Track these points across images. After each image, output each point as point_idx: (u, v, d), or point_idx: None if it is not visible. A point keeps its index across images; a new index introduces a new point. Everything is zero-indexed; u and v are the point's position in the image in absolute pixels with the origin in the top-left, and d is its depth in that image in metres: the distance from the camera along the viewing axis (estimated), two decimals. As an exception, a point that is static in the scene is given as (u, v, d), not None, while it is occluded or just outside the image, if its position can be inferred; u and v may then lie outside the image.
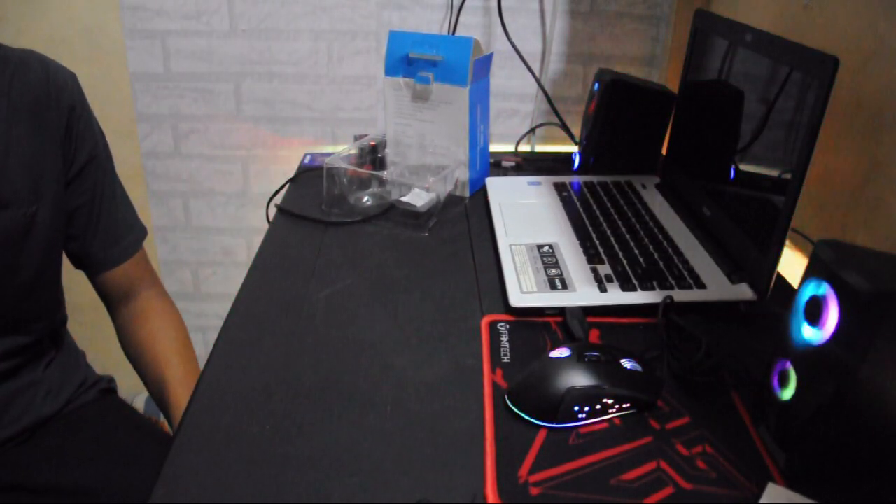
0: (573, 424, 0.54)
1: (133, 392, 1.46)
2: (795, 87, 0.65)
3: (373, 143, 0.98)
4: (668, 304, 0.67)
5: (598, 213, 0.88)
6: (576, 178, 0.99)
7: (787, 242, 0.65)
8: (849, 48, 0.74)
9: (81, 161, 0.78)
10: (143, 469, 0.76)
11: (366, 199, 0.94)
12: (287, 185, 0.99)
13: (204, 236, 1.39)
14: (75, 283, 0.88)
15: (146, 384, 0.84)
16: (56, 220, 0.76)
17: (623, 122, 0.97)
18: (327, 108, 1.27)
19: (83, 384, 0.84)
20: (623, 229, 0.83)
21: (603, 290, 0.70)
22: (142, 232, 0.89)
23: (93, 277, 0.85)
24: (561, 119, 1.19)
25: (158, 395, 0.81)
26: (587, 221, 0.85)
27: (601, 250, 0.78)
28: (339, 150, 0.94)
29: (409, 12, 1.20)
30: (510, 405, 0.55)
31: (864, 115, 0.73)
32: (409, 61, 0.92)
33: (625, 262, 0.75)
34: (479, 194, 0.98)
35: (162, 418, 1.00)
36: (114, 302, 0.87)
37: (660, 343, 0.63)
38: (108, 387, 0.89)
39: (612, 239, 0.80)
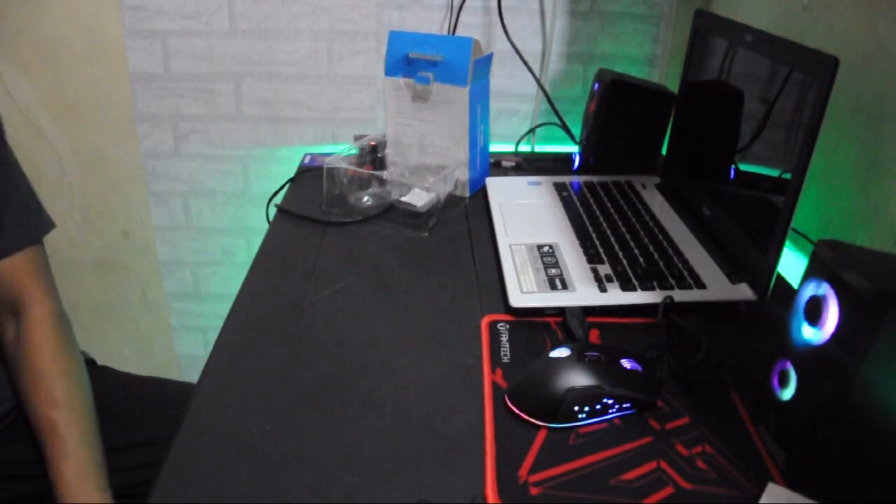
0: (573, 424, 0.54)
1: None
2: (795, 87, 0.65)
3: (373, 143, 0.98)
4: (668, 304, 0.67)
5: (598, 213, 0.88)
6: (576, 178, 0.99)
7: (787, 242, 0.65)
8: (849, 48, 0.74)
9: None
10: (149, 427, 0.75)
11: (366, 199, 0.94)
12: (287, 185, 0.99)
13: (204, 236, 1.39)
14: (70, 282, 0.87)
15: (34, 424, 0.72)
16: None
17: (623, 122, 0.97)
18: (327, 108, 1.27)
19: None
20: (623, 229, 0.83)
21: (603, 290, 0.70)
22: (38, 225, 0.75)
23: None
24: (561, 119, 1.18)
25: (43, 441, 0.71)
26: (587, 221, 0.85)
27: (601, 250, 0.78)
28: (339, 150, 0.94)
29: (409, 12, 1.20)
30: (510, 405, 0.55)
31: (864, 115, 0.73)
32: (409, 61, 0.92)
33: (625, 262, 0.75)
34: (479, 194, 0.98)
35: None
36: (1, 313, 0.75)
37: (660, 343, 0.63)
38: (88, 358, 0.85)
39: (612, 239, 0.80)
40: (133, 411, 0.83)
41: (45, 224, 0.77)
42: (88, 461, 0.70)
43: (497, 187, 0.96)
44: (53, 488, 0.68)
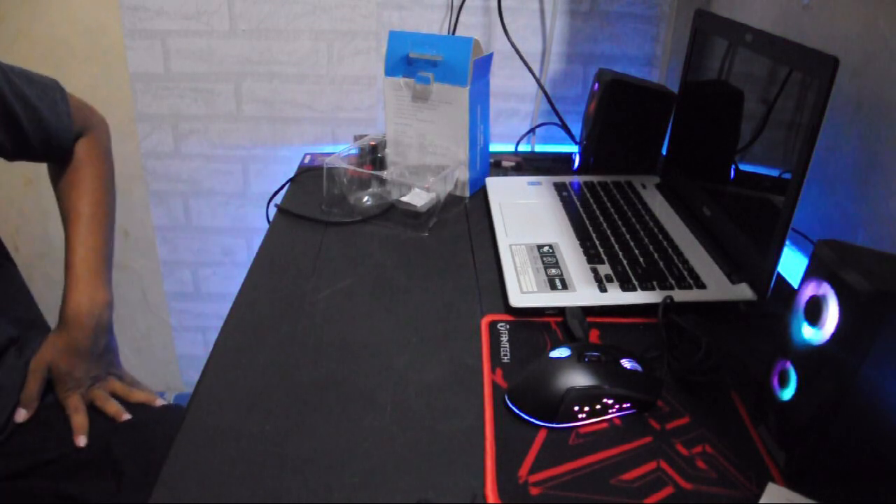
0: (573, 424, 0.54)
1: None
2: (795, 87, 0.65)
3: (373, 143, 0.98)
4: (668, 304, 0.67)
5: (598, 213, 0.88)
6: (576, 178, 0.99)
7: (787, 242, 0.65)
8: (849, 48, 0.74)
9: None
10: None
11: (366, 199, 0.94)
12: (287, 185, 0.99)
13: (204, 236, 1.39)
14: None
15: (61, 213, 0.84)
16: None
17: (623, 122, 0.97)
18: (327, 108, 1.27)
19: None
20: (623, 229, 0.83)
21: (603, 290, 0.70)
22: (60, 89, 0.85)
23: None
24: (561, 119, 1.18)
25: (65, 243, 0.81)
26: (587, 221, 0.85)
27: (601, 250, 0.78)
28: (339, 150, 0.94)
29: (409, 12, 1.20)
30: (510, 405, 0.55)
31: (864, 115, 0.73)
32: (409, 61, 0.92)
33: (625, 262, 0.75)
34: (479, 194, 0.98)
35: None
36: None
37: (660, 343, 0.63)
38: None
39: (612, 239, 0.80)
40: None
41: (62, 92, 0.85)
42: (102, 255, 0.81)
43: (497, 187, 0.96)
44: (67, 271, 0.78)
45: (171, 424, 0.79)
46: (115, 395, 0.79)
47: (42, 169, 1.01)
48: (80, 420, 0.74)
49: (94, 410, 0.78)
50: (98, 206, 0.83)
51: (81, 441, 0.73)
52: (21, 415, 0.75)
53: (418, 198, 0.87)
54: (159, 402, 0.81)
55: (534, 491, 0.48)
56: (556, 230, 0.83)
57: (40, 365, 0.76)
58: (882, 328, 0.42)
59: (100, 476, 0.73)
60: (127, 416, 0.76)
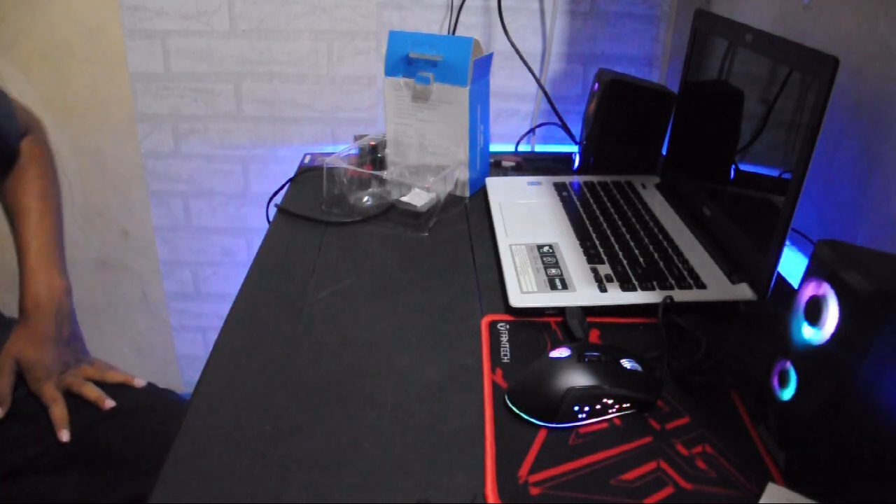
0: (573, 424, 0.54)
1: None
2: (795, 87, 0.65)
3: (373, 143, 0.98)
4: (668, 304, 0.67)
5: (598, 213, 0.88)
6: (576, 178, 0.99)
7: (787, 242, 0.65)
8: (849, 48, 0.74)
9: None
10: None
11: (366, 199, 0.94)
12: (287, 185, 0.99)
13: (204, 236, 1.39)
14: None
15: (11, 231, 0.84)
16: None
17: (623, 122, 0.97)
18: (327, 108, 1.27)
19: None
20: (623, 229, 0.83)
21: (603, 290, 0.70)
22: (2, 91, 0.86)
23: None
24: (561, 119, 1.18)
25: (15, 245, 0.82)
26: (587, 221, 0.85)
27: (601, 250, 0.78)
28: (339, 150, 0.94)
29: (409, 12, 1.20)
30: (510, 405, 0.55)
31: (864, 114, 0.73)
32: (409, 61, 0.92)
33: (625, 262, 0.75)
34: (479, 194, 0.98)
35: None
36: None
37: (660, 343, 0.63)
38: None
39: (612, 239, 0.80)
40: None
41: (2, 91, 0.86)
42: (55, 245, 0.82)
43: (497, 187, 0.96)
44: (21, 266, 0.79)
45: (160, 410, 0.80)
46: (90, 381, 0.78)
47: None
48: (59, 412, 0.73)
49: (74, 400, 0.77)
50: (45, 199, 0.84)
51: (64, 436, 0.72)
52: None
53: (418, 198, 0.87)
54: (139, 381, 0.81)
55: (534, 491, 0.48)
56: (556, 230, 0.83)
57: (6, 359, 0.75)
58: (882, 328, 0.42)
59: (91, 469, 0.73)
60: (111, 403, 0.75)
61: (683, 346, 0.63)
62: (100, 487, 0.73)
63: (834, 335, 0.45)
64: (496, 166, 1.08)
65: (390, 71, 0.94)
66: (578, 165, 1.04)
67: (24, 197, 0.83)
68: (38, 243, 0.80)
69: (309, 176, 1.02)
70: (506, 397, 0.56)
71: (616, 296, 0.69)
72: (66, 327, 0.79)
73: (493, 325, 0.67)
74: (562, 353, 0.56)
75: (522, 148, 1.21)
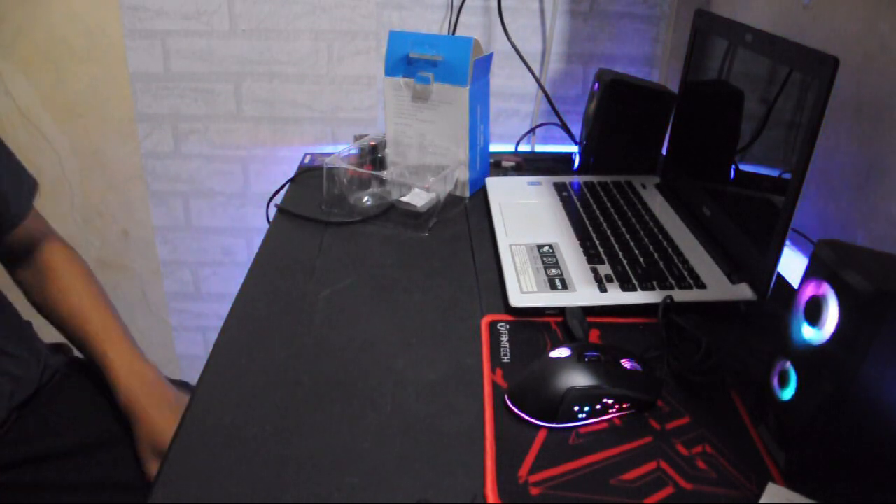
0: (573, 424, 0.54)
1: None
2: (795, 87, 0.65)
3: (373, 143, 0.98)
4: (668, 304, 0.67)
5: (598, 213, 0.88)
6: (576, 178, 0.99)
7: (787, 242, 0.65)
8: (849, 48, 0.74)
9: None
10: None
11: (366, 199, 0.94)
12: (287, 185, 0.99)
13: (204, 236, 1.39)
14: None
15: (67, 339, 0.82)
16: None
17: (623, 122, 0.97)
18: (327, 108, 1.27)
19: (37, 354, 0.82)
20: (623, 229, 0.83)
21: (603, 290, 0.70)
22: (33, 182, 0.83)
23: None
24: (561, 119, 1.18)
25: (81, 349, 0.80)
26: (587, 221, 0.85)
27: (601, 250, 0.78)
28: (339, 150, 0.94)
29: (409, 12, 1.20)
30: (510, 405, 0.55)
31: (864, 115, 0.73)
32: (409, 61, 0.92)
33: (625, 262, 0.75)
34: (479, 194, 0.98)
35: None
36: (16, 260, 0.84)
37: (660, 343, 0.63)
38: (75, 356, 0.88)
39: (612, 239, 0.80)
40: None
41: (35, 183, 0.83)
42: (131, 339, 0.80)
43: (497, 187, 0.96)
44: (104, 368, 0.76)
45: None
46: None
47: (42, 167, 1.01)
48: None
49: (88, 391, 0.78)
50: (93, 294, 0.82)
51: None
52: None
53: (418, 198, 0.87)
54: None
55: (534, 491, 0.48)
56: (556, 230, 0.83)
57: (147, 451, 0.74)
58: (882, 328, 0.42)
59: (120, 452, 0.75)
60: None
61: (683, 346, 0.63)
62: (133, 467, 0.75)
63: (834, 335, 0.45)
64: (496, 166, 1.08)
65: (390, 71, 0.94)
66: (578, 165, 1.04)
67: (77, 303, 0.80)
68: (115, 342, 0.78)
69: (309, 176, 1.02)
70: (506, 397, 0.56)
71: (616, 296, 0.69)
72: (173, 392, 0.79)
73: (493, 325, 0.67)
74: (562, 353, 0.56)
75: (522, 148, 1.21)
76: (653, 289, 0.70)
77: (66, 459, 0.74)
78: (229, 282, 1.43)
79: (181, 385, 0.87)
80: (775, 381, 0.50)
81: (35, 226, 0.83)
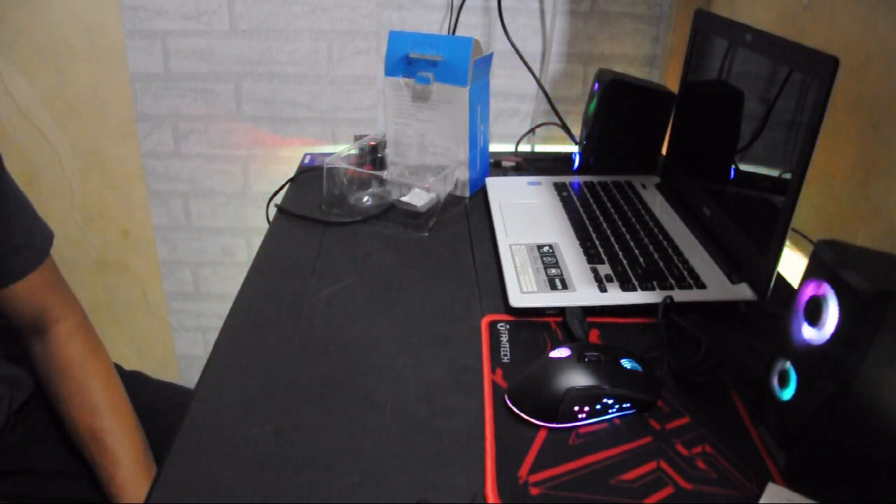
0: (573, 424, 0.54)
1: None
2: (795, 87, 0.65)
3: (373, 143, 0.98)
4: (668, 304, 0.67)
5: (598, 213, 0.88)
6: (576, 178, 0.99)
7: (787, 242, 0.65)
8: (849, 48, 0.74)
9: None
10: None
11: (366, 199, 0.94)
12: (287, 185, 0.99)
13: (204, 236, 1.39)
14: (70, 282, 0.86)
15: (75, 435, 0.74)
16: None
17: (623, 122, 0.97)
18: (327, 108, 1.27)
19: None
20: (623, 229, 0.83)
21: (603, 290, 0.70)
22: (45, 238, 0.76)
23: None
24: (561, 119, 1.18)
25: (89, 450, 0.73)
26: (587, 221, 0.85)
27: (601, 250, 0.78)
28: (339, 150, 0.94)
29: (409, 12, 1.20)
30: (510, 405, 0.55)
31: (864, 115, 0.73)
32: (409, 61, 0.92)
33: (625, 262, 0.75)
34: (479, 194, 0.98)
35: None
36: (24, 332, 0.75)
37: (660, 343, 0.63)
38: None
39: (612, 239, 0.80)
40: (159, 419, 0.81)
41: (49, 235, 0.77)
42: (139, 468, 0.72)
43: (497, 187, 0.96)
44: (107, 495, 0.70)
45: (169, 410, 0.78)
46: None
47: (42, 167, 1.00)
48: None
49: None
50: (121, 426, 0.74)
51: None
52: None
53: (418, 198, 0.87)
54: None
55: (534, 491, 0.48)
56: (556, 230, 0.83)
57: None
58: (882, 328, 0.42)
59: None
60: None
61: (683, 346, 0.63)
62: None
63: (834, 335, 0.45)
64: (496, 166, 1.08)
65: (390, 71, 0.94)
66: (578, 165, 1.04)
67: (87, 414, 0.72)
68: (119, 460, 0.71)
69: (309, 176, 1.02)
70: (506, 397, 0.56)
71: (616, 296, 0.69)
72: None
73: (493, 325, 0.67)
74: (562, 353, 0.56)
75: (522, 148, 1.20)
76: (653, 289, 0.70)
77: (58, 467, 0.73)
78: (229, 282, 1.43)
79: (176, 389, 0.86)
80: (775, 381, 0.50)
81: (42, 293, 0.74)
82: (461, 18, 1.19)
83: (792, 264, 0.81)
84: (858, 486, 0.48)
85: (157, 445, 0.77)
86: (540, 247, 0.79)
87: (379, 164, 0.99)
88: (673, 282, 0.71)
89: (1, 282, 0.71)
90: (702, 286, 0.70)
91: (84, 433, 0.73)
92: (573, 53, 1.23)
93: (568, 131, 1.17)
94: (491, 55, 0.95)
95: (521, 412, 0.54)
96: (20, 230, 0.72)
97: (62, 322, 0.75)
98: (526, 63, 1.18)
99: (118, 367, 0.82)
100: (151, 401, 0.83)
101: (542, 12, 1.20)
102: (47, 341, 0.75)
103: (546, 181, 0.98)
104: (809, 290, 0.47)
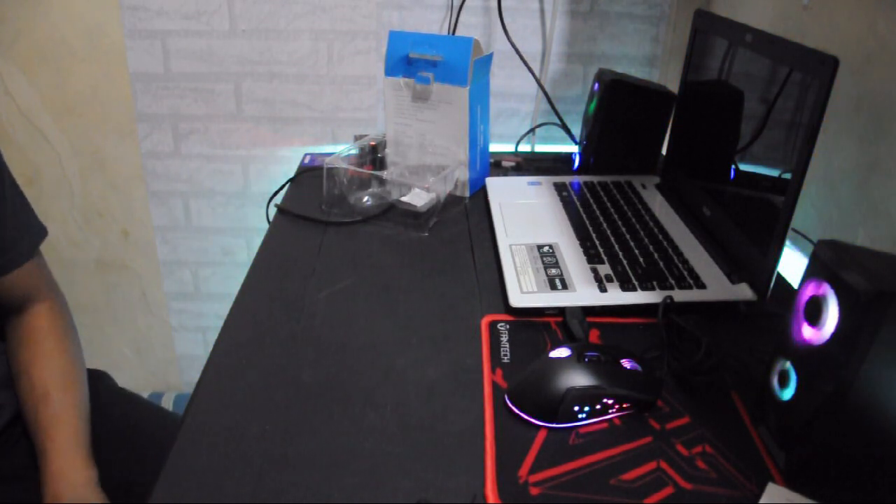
0: (573, 424, 0.54)
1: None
2: (795, 87, 0.65)
3: (373, 143, 0.98)
4: (668, 304, 0.67)
5: (598, 213, 0.88)
6: (576, 178, 0.99)
7: (787, 242, 0.65)
8: (849, 48, 0.74)
9: None
10: (149, 453, 0.75)
11: (366, 199, 0.94)
12: (287, 185, 0.99)
13: (204, 236, 1.39)
14: (70, 282, 0.86)
15: (23, 411, 0.74)
16: None
17: (623, 122, 0.97)
18: (327, 108, 1.27)
19: None
20: (623, 229, 0.83)
21: (603, 290, 0.70)
22: (37, 235, 0.78)
23: None
24: (561, 119, 1.18)
25: (31, 429, 0.73)
26: (587, 221, 0.85)
27: (601, 250, 0.78)
28: (339, 150, 0.94)
29: (409, 12, 1.20)
30: (510, 405, 0.55)
31: (864, 115, 0.73)
32: (409, 61, 0.92)
33: (625, 262, 0.75)
34: (479, 194, 0.98)
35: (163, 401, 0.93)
36: (6, 313, 0.78)
37: (660, 343, 0.63)
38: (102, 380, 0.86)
39: (612, 239, 0.80)
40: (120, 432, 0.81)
41: (42, 232, 0.79)
42: (80, 433, 0.72)
43: (497, 187, 0.96)
44: (41, 457, 0.70)
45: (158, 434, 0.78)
46: None
47: (42, 167, 1.00)
48: None
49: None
50: (66, 377, 0.75)
51: None
52: None
53: (418, 198, 0.87)
54: None
55: (534, 491, 0.48)
56: (556, 230, 0.83)
57: None
58: (882, 328, 0.42)
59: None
60: None
61: (683, 346, 0.63)
62: None
63: (834, 335, 0.45)
64: (496, 166, 1.08)
65: (390, 71, 0.94)
66: (578, 165, 1.04)
67: (40, 377, 0.74)
68: (61, 435, 0.71)
69: (309, 176, 1.02)
70: (506, 397, 0.56)
71: (616, 296, 0.69)
72: None
73: (493, 325, 0.67)
74: (562, 353, 0.56)
75: (522, 148, 1.21)
76: (653, 289, 0.70)
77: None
78: (229, 282, 1.43)
79: (164, 412, 0.85)
80: (775, 381, 0.50)
81: (31, 280, 0.77)
82: (461, 18, 1.19)
83: (792, 264, 0.81)
84: (858, 486, 0.48)
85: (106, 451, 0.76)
86: (540, 247, 0.79)
87: (379, 164, 0.99)
88: (673, 282, 0.71)
89: None
90: (702, 286, 0.70)
91: (35, 391, 0.74)
92: (573, 53, 1.23)
93: (568, 131, 1.17)
94: (491, 55, 0.95)
95: (521, 412, 0.54)
96: (15, 224, 0.75)
97: (41, 302, 0.78)
98: (526, 63, 1.18)
99: (91, 372, 0.83)
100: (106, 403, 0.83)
101: (542, 12, 1.20)
102: (22, 319, 0.78)
103: (546, 181, 0.98)
104: (809, 290, 0.47)
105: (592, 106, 0.99)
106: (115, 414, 0.82)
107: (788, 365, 0.49)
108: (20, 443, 0.75)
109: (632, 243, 0.79)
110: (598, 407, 0.54)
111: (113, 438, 0.78)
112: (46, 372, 0.75)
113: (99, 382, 0.85)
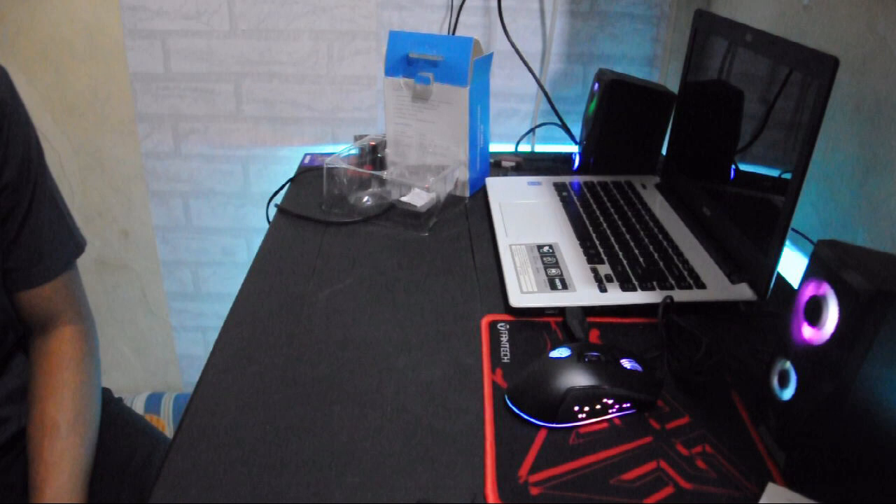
0: (573, 424, 0.54)
1: (129, 393, 1.46)
2: (795, 87, 0.65)
3: (373, 143, 0.98)
4: (668, 304, 0.67)
5: (598, 213, 0.88)
6: (576, 178, 0.99)
7: (787, 242, 0.65)
8: (849, 48, 0.74)
9: (14, 165, 0.67)
10: (141, 473, 0.75)
11: (366, 199, 0.94)
12: (287, 185, 0.99)
13: (204, 236, 1.39)
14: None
15: (28, 438, 0.71)
16: None
17: (623, 122, 0.97)
18: (327, 108, 1.27)
19: None
20: (623, 229, 0.83)
21: (603, 290, 0.70)
22: (71, 250, 0.75)
23: (10, 295, 0.72)
24: (561, 119, 1.18)
25: (32, 458, 0.70)
26: (587, 221, 0.85)
27: (601, 250, 0.78)
28: (339, 150, 0.94)
29: (409, 12, 1.20)
30: (510, 405, 0.55)
31: (864, 115, 0.73)
32: (409, 61, 0.92)
33: (625, 262, 0.75)
34: (479, 194, 0.98)
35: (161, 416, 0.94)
36: (30, 330, 0.75)
37: (660, 343, 0.63)
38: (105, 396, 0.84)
39: (612, 239, 0.80)
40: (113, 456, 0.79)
41: (80, 246, 0.77)
42: (80, 476, 0.70)
43: (497, 187, 0.96)
44: (33, 492, 0.68)
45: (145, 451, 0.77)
46: None
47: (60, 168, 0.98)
48: None
49: None
50: (77, 412, 0.72)
51: None
52: None
53: (418, 198, 0.87)
54: None
55: (534, 491, 0.48)
56: (556, 230, 0.83)
57: None
58: (882, 328, 0.42)
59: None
60: None
61: (683, 346, 0.63)
62: None
63: (834, 335, 0.45)
64: (496, 166, 1.08)
65: (390, 71, 0.94)
66: (578, 165, 1.04)
67: (52, 413, 0.70)
68: (61, 477, 0.68)
69: (309, 176, 1.02)
70: (506, 397, 0.56)
71: (616, 296, 0.69)
72: None
73: (493, 325, 0.67)
74: (562, 353, 0.56)
75: (522, 148, 1.21)
76: (653, 289, 0.70)
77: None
78: (229, 282, 1.43)
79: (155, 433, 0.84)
80: (775, 381, 0.50)
81: (57, 298, 0.73)
82: (461, 18, 1.19)
83: (792, 264, 0.81)
84: (858, 486, 0.48)
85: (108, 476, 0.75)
86: (540, 247, 0.79)
87: (379, 164, 0.99)
88: (673, 282, 0.71)
89: (18, 286, 0.71)
90: (702, 286, 0.70)
91: (44, 420, 0.71)
92: (573, 53, 1.23)
93: (568, 131, 1.17)
94: (491, 55, 0.95)
95: (521, 412, 0.54)
96: (54, 237, 0.72)
97: (68, 326, 0.75)
98: (526, 63, 1.18)
99: (105, 393, 0.81)
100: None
101: (542, 12, 1.20)
102: (47, 339, 0.75)
103: (546, 181, 0.98)
104: (809, 290, 0.47)
105: (592, 106, 0.99)
106: (108, 442, 0.79)
107: (788, 365, 0.49)
108: (22, 456, 0.74)
109: (632, 243, 0.79)
110: (598, 407, 0.54)
111: (105, 466, 0.76)
112: (59, 407, 0.71)
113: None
